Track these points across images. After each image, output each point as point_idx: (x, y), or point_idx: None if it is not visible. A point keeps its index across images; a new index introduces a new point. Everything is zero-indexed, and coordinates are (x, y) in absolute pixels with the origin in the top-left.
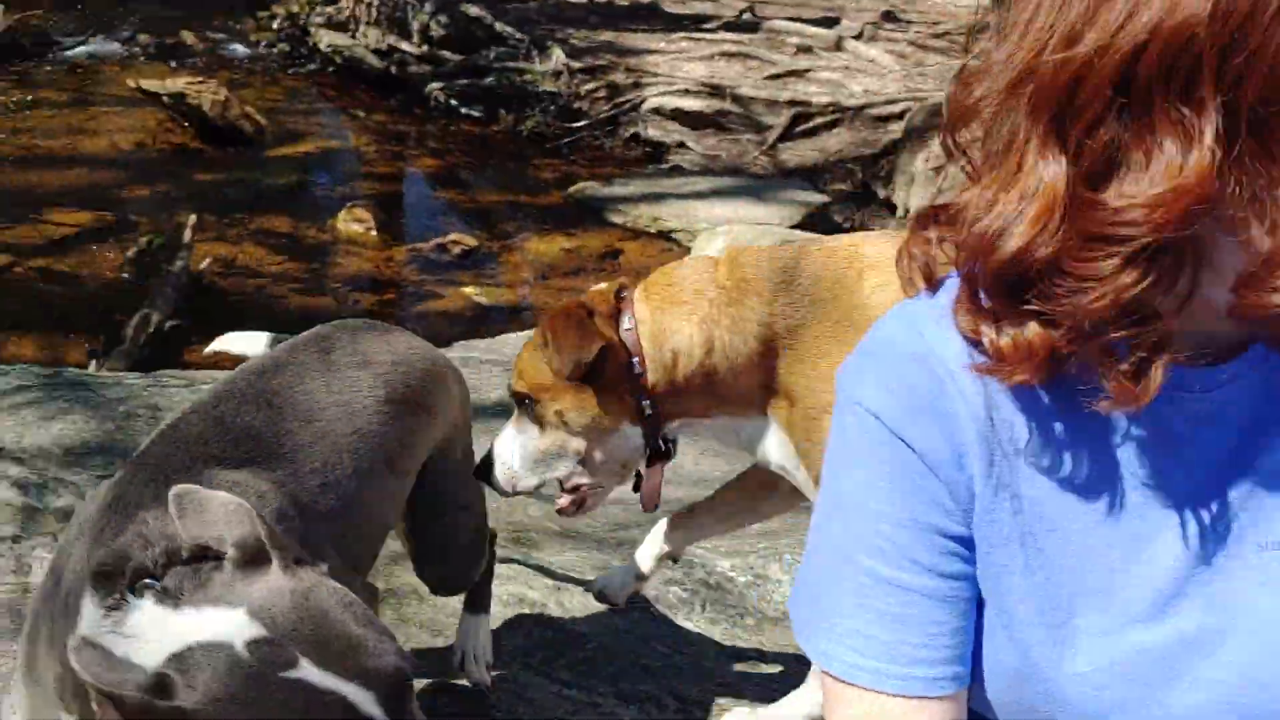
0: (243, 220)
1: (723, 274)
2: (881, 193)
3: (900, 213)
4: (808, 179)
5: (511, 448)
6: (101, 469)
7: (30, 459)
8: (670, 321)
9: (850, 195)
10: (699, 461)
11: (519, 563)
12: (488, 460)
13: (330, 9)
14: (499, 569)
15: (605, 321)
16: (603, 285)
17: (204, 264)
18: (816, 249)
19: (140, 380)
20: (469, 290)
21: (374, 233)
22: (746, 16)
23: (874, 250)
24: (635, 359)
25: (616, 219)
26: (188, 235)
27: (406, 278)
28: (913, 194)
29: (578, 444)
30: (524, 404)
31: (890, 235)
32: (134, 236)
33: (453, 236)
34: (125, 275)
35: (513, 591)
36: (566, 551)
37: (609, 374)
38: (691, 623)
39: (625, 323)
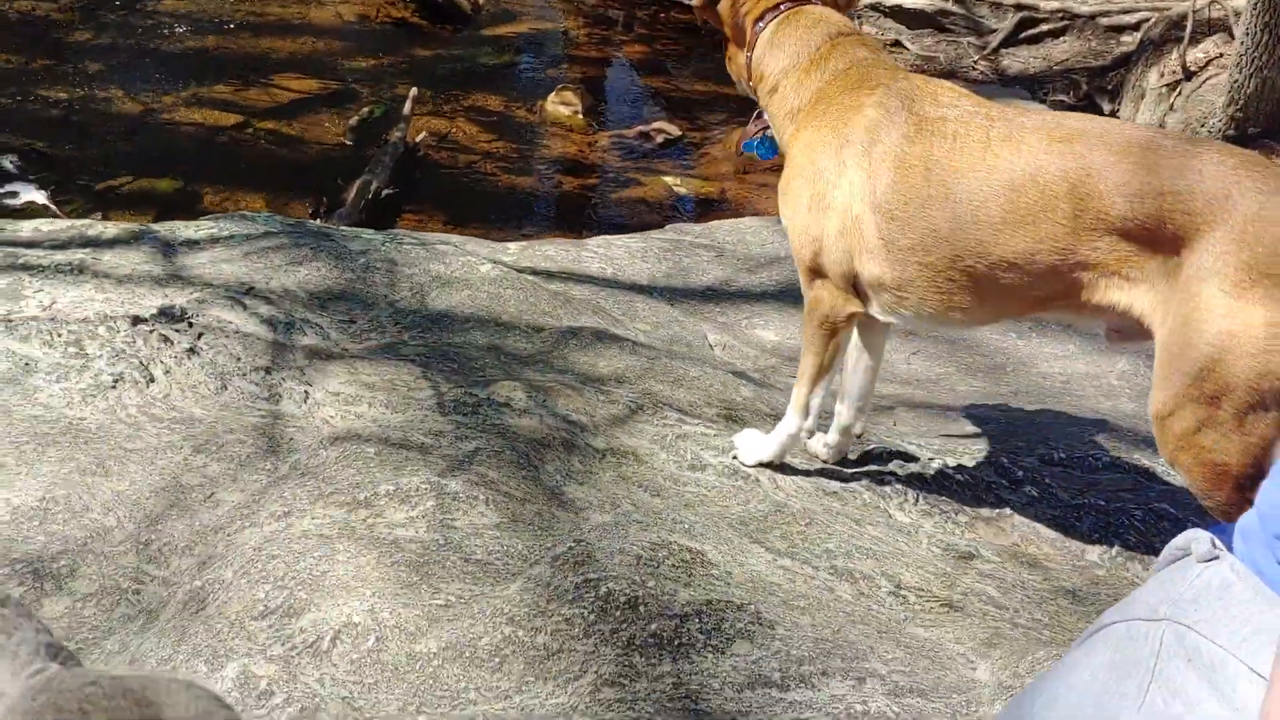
0: (457, 96)
1: None
2: (1107, 107)
3: None
4: (1028, 88)
5: None
6: (344, 314)
7: (278, 299)
8: None
9: (1071, 108)
10: (910, 361)
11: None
12: None
13: None
14: (721, 443)
15: None
16: None
17: (420, 136)
18: None
19: (379, 236)
20: (669, 180)
21: (580, 116)
22: None
23: None
24: None
25: None
26: (407, 108)
27: (609, 163)
28: (1141, 110)
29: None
30: None
31: None
32: (356, 106)
33: (656, 125)
34: (346, 141)
35: (728, 463)
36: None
37: None
38: (904, 513)
39: None
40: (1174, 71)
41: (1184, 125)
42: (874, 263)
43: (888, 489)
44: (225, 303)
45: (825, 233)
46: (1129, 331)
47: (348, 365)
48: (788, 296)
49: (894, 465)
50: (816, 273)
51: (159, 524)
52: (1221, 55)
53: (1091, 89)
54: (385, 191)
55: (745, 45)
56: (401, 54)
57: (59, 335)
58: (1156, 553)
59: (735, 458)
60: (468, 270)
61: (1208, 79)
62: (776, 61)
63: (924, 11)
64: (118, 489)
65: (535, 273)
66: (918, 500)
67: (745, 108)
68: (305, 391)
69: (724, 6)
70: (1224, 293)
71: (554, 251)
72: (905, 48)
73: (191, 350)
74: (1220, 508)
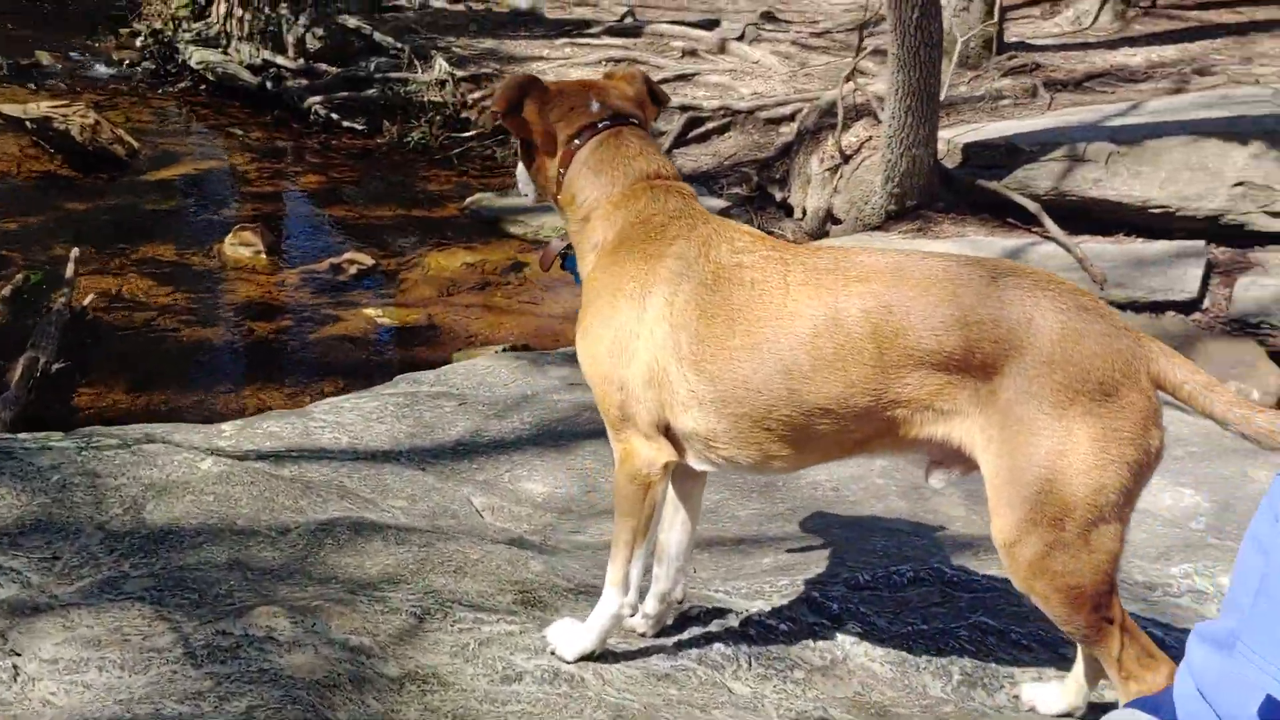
0: (124, 250)
1: None
2: (778, 194)
3: (798, 214)
4: (704, 184)
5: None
6: (44, 549)
7: None
8: None
9: (747, 199)
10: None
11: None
12: None
13: (199, 25)
14: (530, 641)
15: None
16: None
17: (88, 300)
18: None
19: (71, 443)
20: (370, 311)
21: (263, 255)
22: (629, 20)
23: None
24: None
25: (517, 230)
26: (70, 270)
27: (302, 301)
28: (809, 195)
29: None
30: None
31: None
32: (8, 274)
33: (347, 256)
34: (1, 316)
35: (546, 665)
36: (584, 608)
37: None
38: (742, 683)
39: None
40: (833, 156)
41: (849, 204)
42: (686, 415)
43: (717, 657)
44: None
45: (631, 382)
46: (950, 461)
47: (61, 618)
48: (546, 440)
49: (714, 625)
50: (625, 421)
51: None
52: (872, 138)
53: (762, 180)
54: (55, 366)
55: (557, 158)
56: (54, 210)
57: None
58: (991, 673)
59: (553, 653)
60: (186, 470)
61: (864, 160)
62: (591, 188)
63: None
64: None
65: (261, 456)
66: (750, 663)
67: (433, 230)
68: (13, 666)
69: (530, 112)
70: (1045, 414)
71: (277, 427)
72: None
73: None
74: (1080, 631)
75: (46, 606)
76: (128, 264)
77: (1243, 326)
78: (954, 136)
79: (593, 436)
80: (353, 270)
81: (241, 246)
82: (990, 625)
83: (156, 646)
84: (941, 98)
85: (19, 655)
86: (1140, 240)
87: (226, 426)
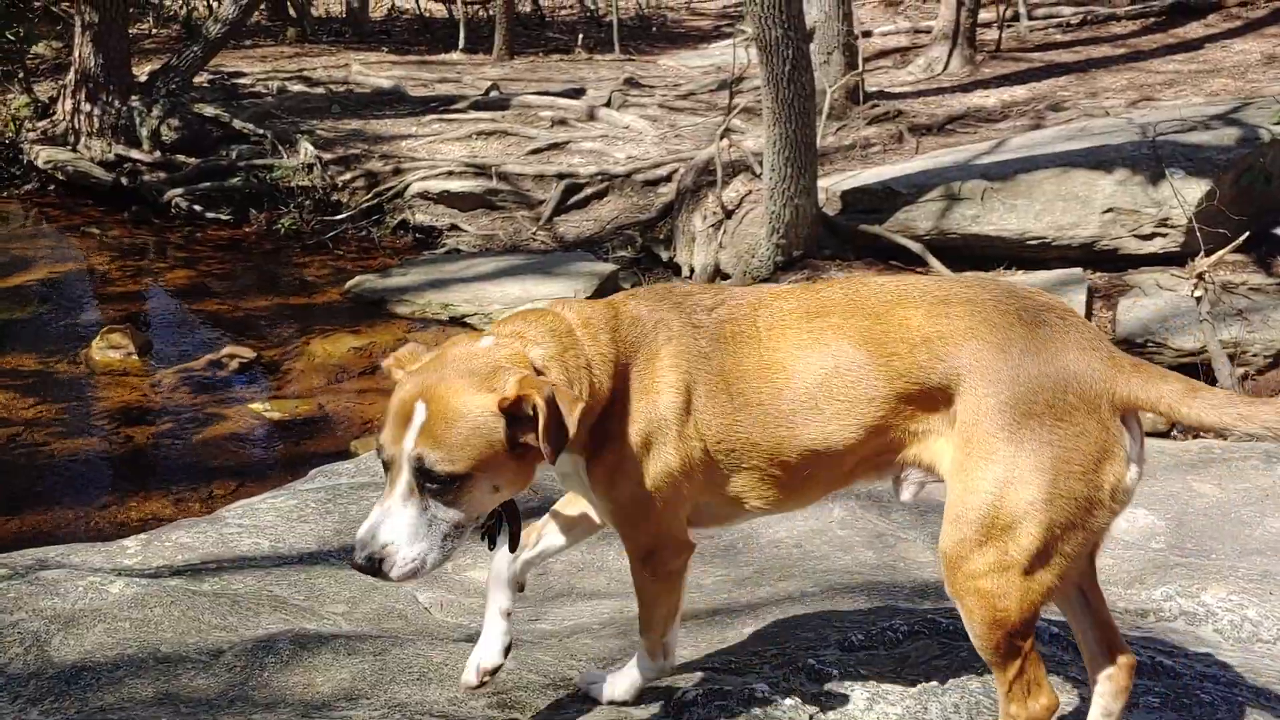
0: None
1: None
2: (664, 254)
3: (686, 272)
4: (589, 249)
5: (416, 530)
6: None
7: None
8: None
9: (634, 260)
10: None
11: None
12: (371, 556)
13: (44, 123)
14: None
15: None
16: (506, 351)
17: None
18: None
19: None
20: (257, 406)
21: (135, 357)
22: (494, 94)
23: None
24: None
25: (403, 310)
26: None
27: (181, 402)
28: (695, 252)
29: (484, 507)
30: (445, 483)
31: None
32: None
33: (226, 350)
34: None
35: None
36: (566, 704)
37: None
38: None
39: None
40: (715, 212)
41: (736, 259)
42: (709, 491)
43: None
44: None
45: (672, 492)
46: (919, 477)
47: None
48: None
49: (713, 709)
50: (662, 534)
51: None
52: (751, 192)
53: (647, 241)
54: None
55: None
56: None
57: None
58: None
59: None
60: (95, 596)
61: (746, 213)
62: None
63: (473, 193)
64: None
65: (176, 572)
66: None
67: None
68: None
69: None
70: (995, 437)
71: (187, 538)
72: (464, 229)
73: None
74: (989, 650)
75: None
76: None
77: (1130, 347)
78: (831, 185)
79: (533, 514)
80: (233, 365)
81: (110, 350)
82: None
83: None
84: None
85: None
86: (1021, 272)
87: (129, 543)
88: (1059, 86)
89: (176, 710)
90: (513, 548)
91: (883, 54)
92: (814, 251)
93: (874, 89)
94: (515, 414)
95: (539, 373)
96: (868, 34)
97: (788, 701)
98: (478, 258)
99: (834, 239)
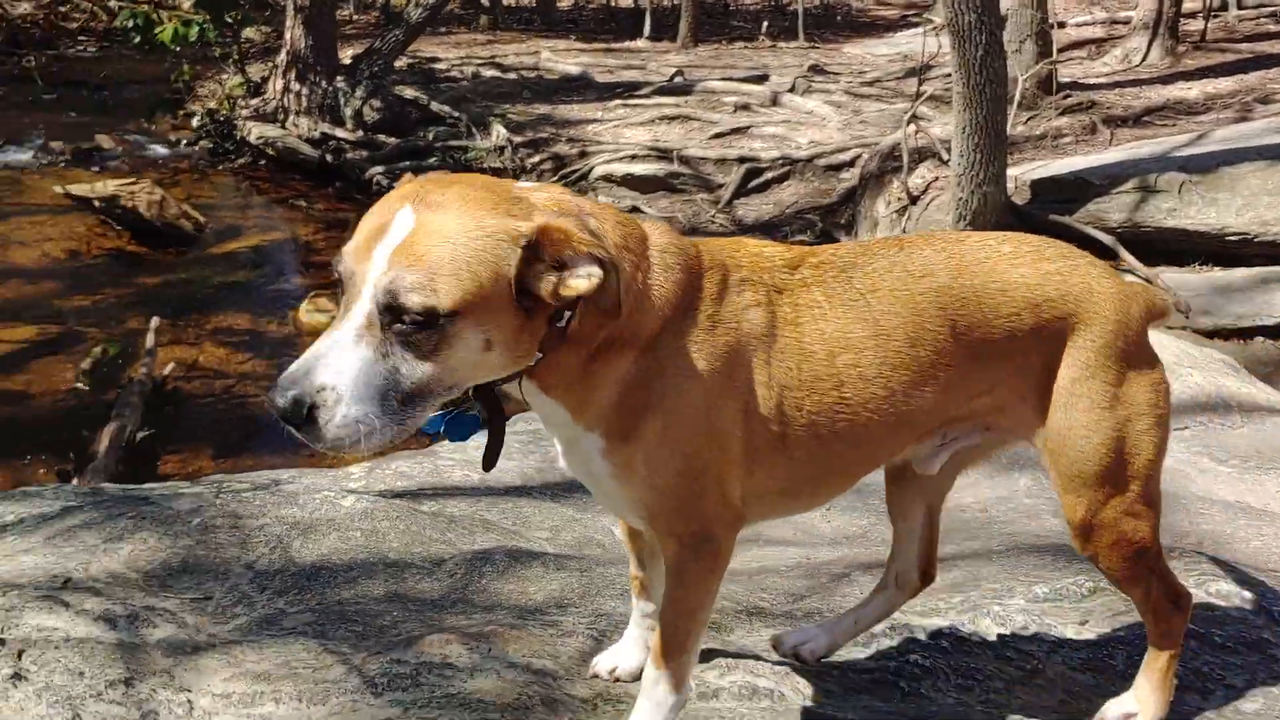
0: (198, 321)
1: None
2: (844, 239)
3: None
4: (768, 232)
5: (368, 379)
6: (195, 591)
7: (108, 588)
8: None
9: (814, 244)
10: (828, 519)
11: (731, 654)
12: (299, 397)
13: (256, 101)
14: (719, 659)
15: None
16: (545, 195)
17: (167, 369)
18: None
19: (205, 488)
20: None
21: None
22: (679, 80)
23: None
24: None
25: None
26: (150, 340)
27: None
28: (878, 237)
29: (465, 371)
30: (419, 323)
31: None
32: (85, 347)
33: None
34: (81, 388)
35: (741, 681)
36: (758, 629)
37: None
38: (942, 693)
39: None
40: (899, 198)
41: None
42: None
43: (915, 670)
44: (40, 605)
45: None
46: (967, 441)
47: (225, 655)
48: None
49: (898, 640)
50: (719, 506)
51: None
52: (938, 178)
53: (827, 225)
54: (140, 435)
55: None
56: (126, 285)
57: None
58: (1202, 676)
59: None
60: (329, 508)
61: (932, 200)
62: None
63: (655, 176)
64: None
65: (397, 495)
66: (949, 676)
67: None
68: (187, 701)
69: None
70: (1109, 384)
71: (406, 467)
72: (645, 211)
73: (16, 676)
74: (1133, 583)
75: (207, 645)
76: (203, 334)
77: None
78: (1021, 174)
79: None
80: None
81: (317, 312)
82: (1188, 629)
83: (329, 678)
84: None
85: (189, 691)
86: (1219, 269)
87: (354, 469)
88: (1269, 79)
89: (405, 607)
90: (488, 464)
91: (1077, 45)
92: None
93: (1067, 79)
94: (537, 254)
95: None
96: (1062, 24)
97: (974, 638)
98: None
99: (1022, 228)
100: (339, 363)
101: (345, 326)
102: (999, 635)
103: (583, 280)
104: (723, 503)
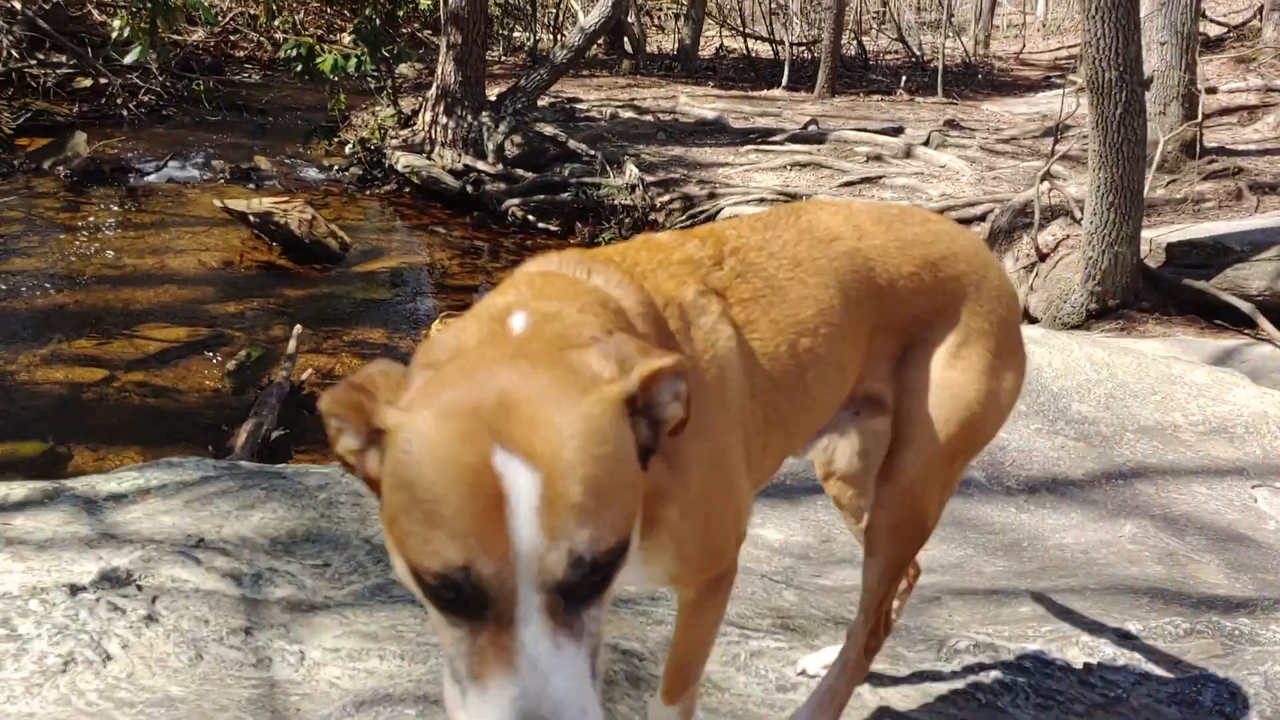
0: (337, 333)
1: None
2: None
3: None
4: None
5: (588, 683)
6: (316, 558)
7: (236, 550)
8: None
9: None
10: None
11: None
12: None
13: (405, 132)
14: (798, 657)
15: None
16: (576, 313)
17: (305, 375)
18: None
19: (333, 470)
20: None
21: None
22: (812, 128)
23: None
24: None
25: None
26: (292, 346)
27: None
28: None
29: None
30: (601, 571)
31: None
32: (231, 350)
33: None
34: (224, 388)
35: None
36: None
37: None
38: (1021, 711)
39: None
40: (1028, 255)
41: (1047, 303)
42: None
43: (994, 685)
44: (175, 559)
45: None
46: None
47: (338, 616)
48: (775, 491)
49: (983, 657)
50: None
51: None
52: (1069, 236)
53: None
54: (275, 433)
55: None
56: (272, 296)
57: None
58: None
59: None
60: None
61: (1061, 258)
62: None
63: None
64: None
65: None
66: (1029, 695)
67: None
68: (299, 651)
69: None
70: (989, 352)
71: None
72: None
73: (150, 618)
74: (907, 558)
75: (322, 605)
76: (341, 345)
77: None
78: (1156, 236)
79: (818, 491)
80: None
81: None
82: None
83: (431, 642)
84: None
85: (302, 644)
86: None
87: None
88: None
89: None
90: None
91: (1227, 110)
92: (1131, 302)
93: (1214, 145)
94: (639, 404)
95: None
96: (1213, 90)
97: (1057, 662)
98: None
99: (1154, 291)
100: (567, 683)
101: (532, 637)
102: (1085, 663)
103: (678, 405)
104: (739, 533)
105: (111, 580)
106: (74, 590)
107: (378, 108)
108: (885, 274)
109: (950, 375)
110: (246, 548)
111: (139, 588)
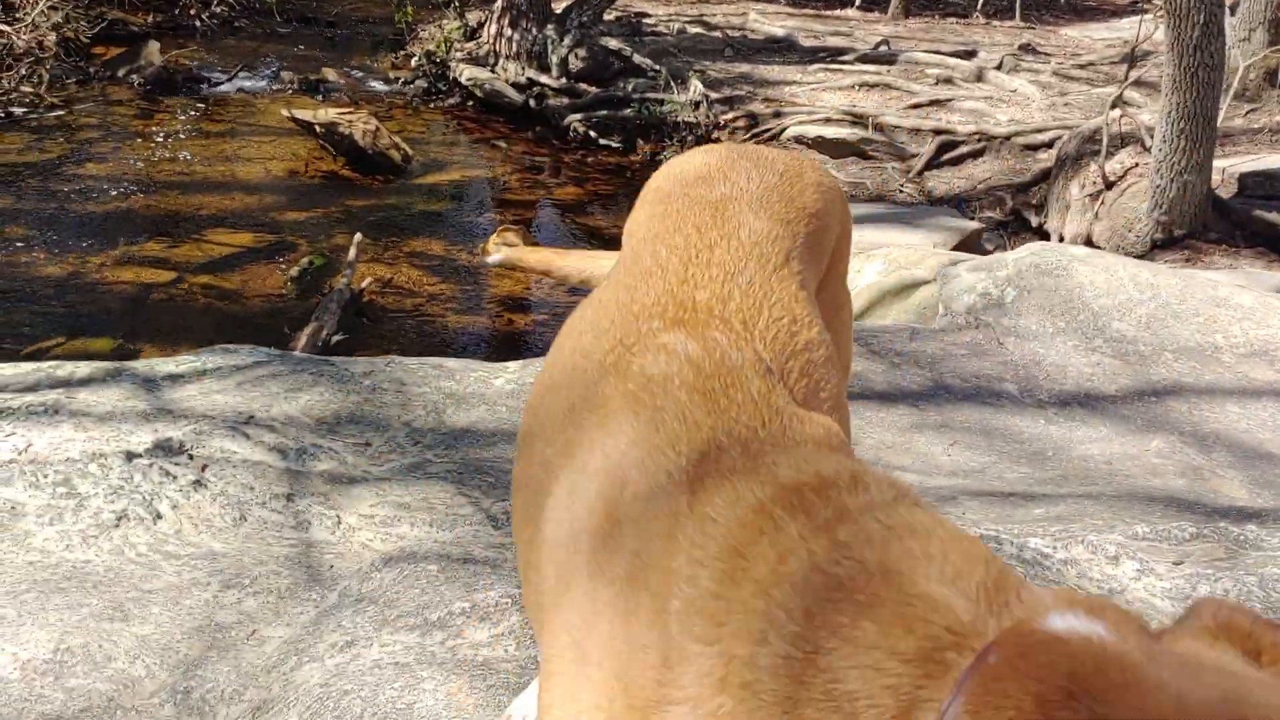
0: (397, 243)
1: None
2: (1034, 220)
3: (1055, 239)
4: (956, 206)
5: None
6: (357, 437)
7: (283, 427)
8: None
9: (1001, 223)
10: (949, 453)
11: None
12: None
13: (470, 44)
14: None
15: None
16: None
17: (365, 283)
18: None
19: (380, 360)
20: None
21: None
22: (883, 49)
23: None
24: None
25: None
26: (352, 253)
27: (558, 299)
28: (1068, 221)
29: None
30: None
31: None
32: (293, 257)
33: None
34: (287, 292)
35: None
36: None
37: None
38: None
39: None
40: (1094, 182)
41: (1110, 232)
42: None
43: None
44: (225, 433)
45: None
46: None
47: (374, 488)
48: None
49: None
50: None
51: (197, 669)
52: (1137, 165)
53: (1017, 204)
54: (334, 338)
55: None
56: (335, 205)
57: (44, 476)
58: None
59: None
60: (481, 385)
61: (1128, 187)
62: None
63: (846, 141)
64: (141, 634)
65: None
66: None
67: None
68: (336, 516)
69: None
70: (844, 286)
71: None
72: (833, 175)
73: (198, 483)
74: None
75: (361, 479)
76: (400, 255)
77: None
78: (1229, 166)
79: None
80: None
81: (505, 246)
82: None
83: (459, 513)
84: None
85: (339, 510)
86: None
87: (510, 365)
88: None
89: None
90: None
91: None
92: (1198, 233)
93: None
94: None
95: None
96: None
97: (1058, 556)
98: None
99: (1223, 223)
100: None
101: None
102: (1087, 559)
103: None
104: None
105: (165, 449)
106: (129, 457)
107: (444, 20)
108: (799, 206)
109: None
110: (293, 426)
111: (190, 457)
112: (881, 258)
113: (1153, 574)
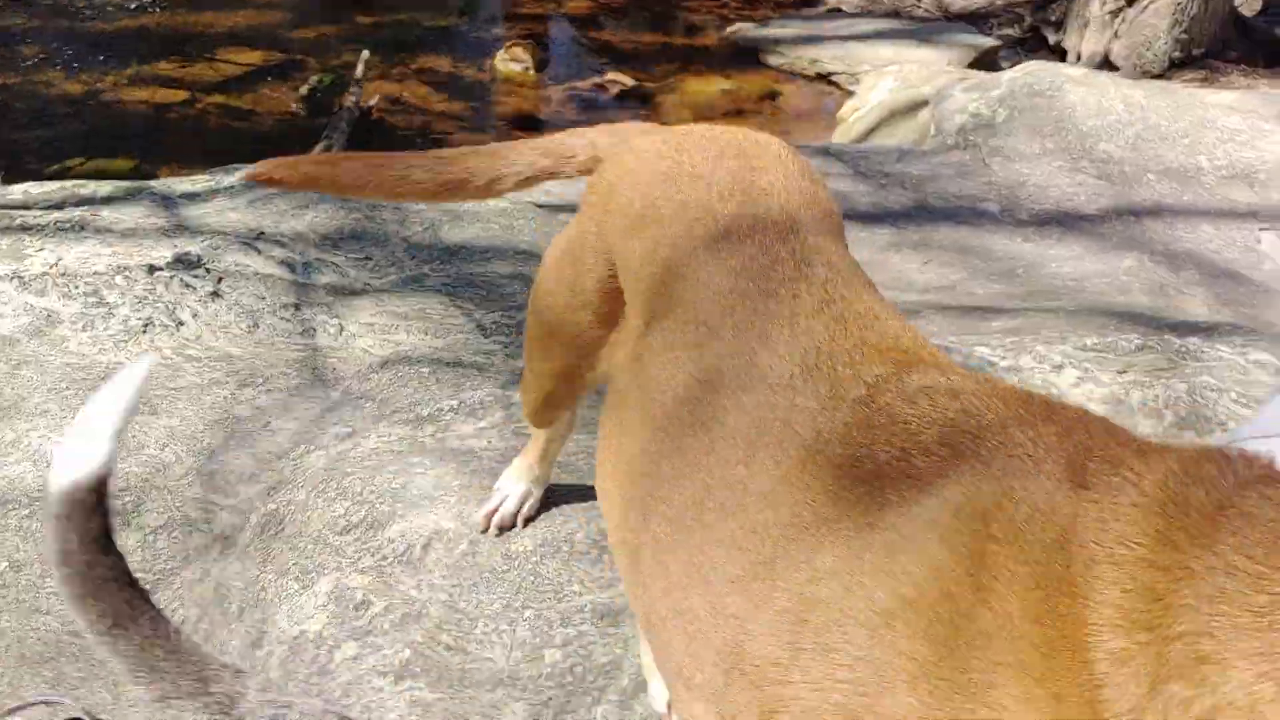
0: (404, 60)
1: None
2: (1052, 38)
3: (1073, 58)
4: (973, 23)
5: None
6: (359, 252)
7: (291, 243)
8: None
9: (1019, 40)
10: (924, 270)
11: None
12: None
13: None
14: None
15: None
16: None
17: (373, 101)
18: None
19: None
20: None
21: (531, 72)
22: None
23: None
24: None
25: (774, 61)
26: (359, 71)
27: (566, 116)
28: (1086, 39)
29: None
30: None
31: None
32: (303, 75)
33: (610, 76)
34: (298, 110)
35: None
36: None
37: None
38: None
39: None
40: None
41: (1129, 50)
42: None
43: None
44: (239, 248)
45: None
46: None
47: (374, 299)
48: None
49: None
50: None
51: (219, 455)
52: None
53: (1036, 21)
54: None
55: None
56: (343, 22)
57: (75, 288)
58: (1205, 418)
59: None
60: (476, 204)
61: (1149, 4)
62: None
63: None
64: (170, 425)
65: (539, 206)
66: None
67: (691, 58)
68: (339, 324)
69: None
70: None
71: (557, 187)
72: None
73: (215, 293)
74: None
75: (362, 290)
76: (408, 73)
77: None
78: None
79: None
80: (614, 90)
81: (512, 62)
82: (1212, 384)
83: (453, 322)
84: None
85: (341, 319)
86: None
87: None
88: None
89: (524, 285)
90: None
91: None
92: (1217, 52)
93: None
94: None
95: None
96: None
97: (1002, 364)
98: (858, 18)
99: (1244, 41)
100: None
101: None
102: (1031, 368)
103: None
104: None
105: (184, 263)
106: (152, 270)
107: None
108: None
109: None
110: (300, 241)
111: (207, 270)
112: (893, 75)
113: (1093, 381)
